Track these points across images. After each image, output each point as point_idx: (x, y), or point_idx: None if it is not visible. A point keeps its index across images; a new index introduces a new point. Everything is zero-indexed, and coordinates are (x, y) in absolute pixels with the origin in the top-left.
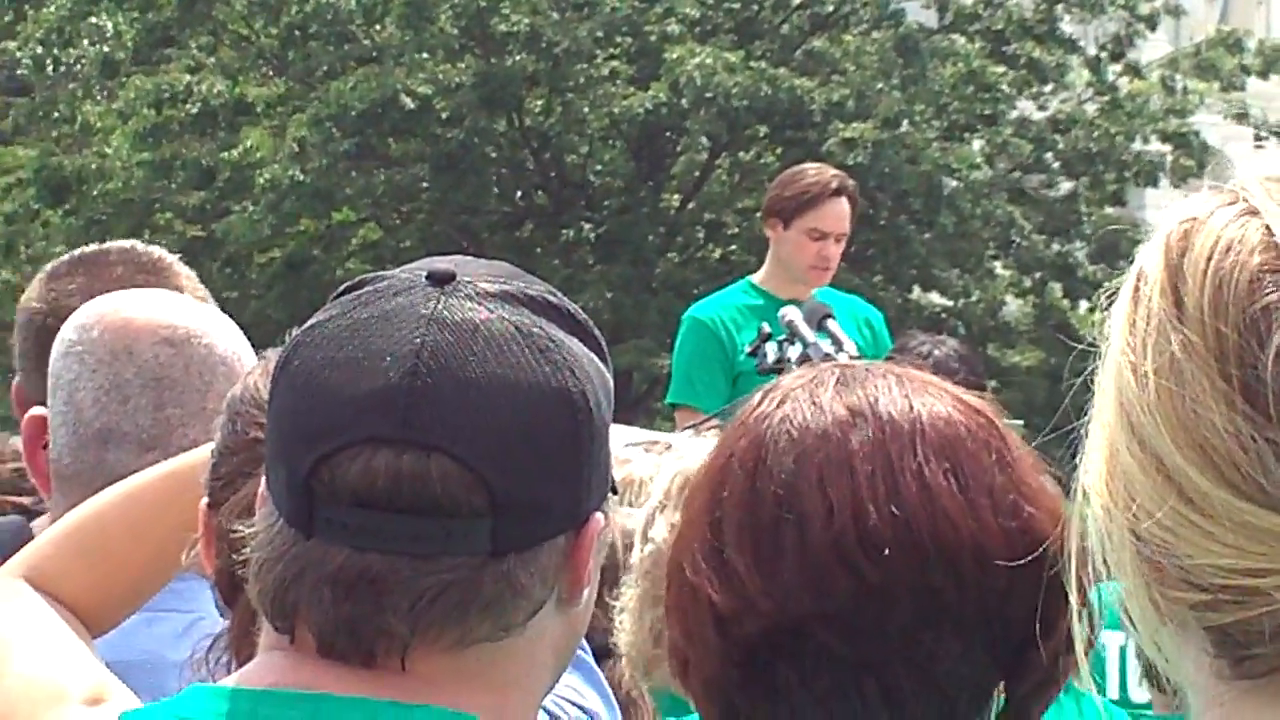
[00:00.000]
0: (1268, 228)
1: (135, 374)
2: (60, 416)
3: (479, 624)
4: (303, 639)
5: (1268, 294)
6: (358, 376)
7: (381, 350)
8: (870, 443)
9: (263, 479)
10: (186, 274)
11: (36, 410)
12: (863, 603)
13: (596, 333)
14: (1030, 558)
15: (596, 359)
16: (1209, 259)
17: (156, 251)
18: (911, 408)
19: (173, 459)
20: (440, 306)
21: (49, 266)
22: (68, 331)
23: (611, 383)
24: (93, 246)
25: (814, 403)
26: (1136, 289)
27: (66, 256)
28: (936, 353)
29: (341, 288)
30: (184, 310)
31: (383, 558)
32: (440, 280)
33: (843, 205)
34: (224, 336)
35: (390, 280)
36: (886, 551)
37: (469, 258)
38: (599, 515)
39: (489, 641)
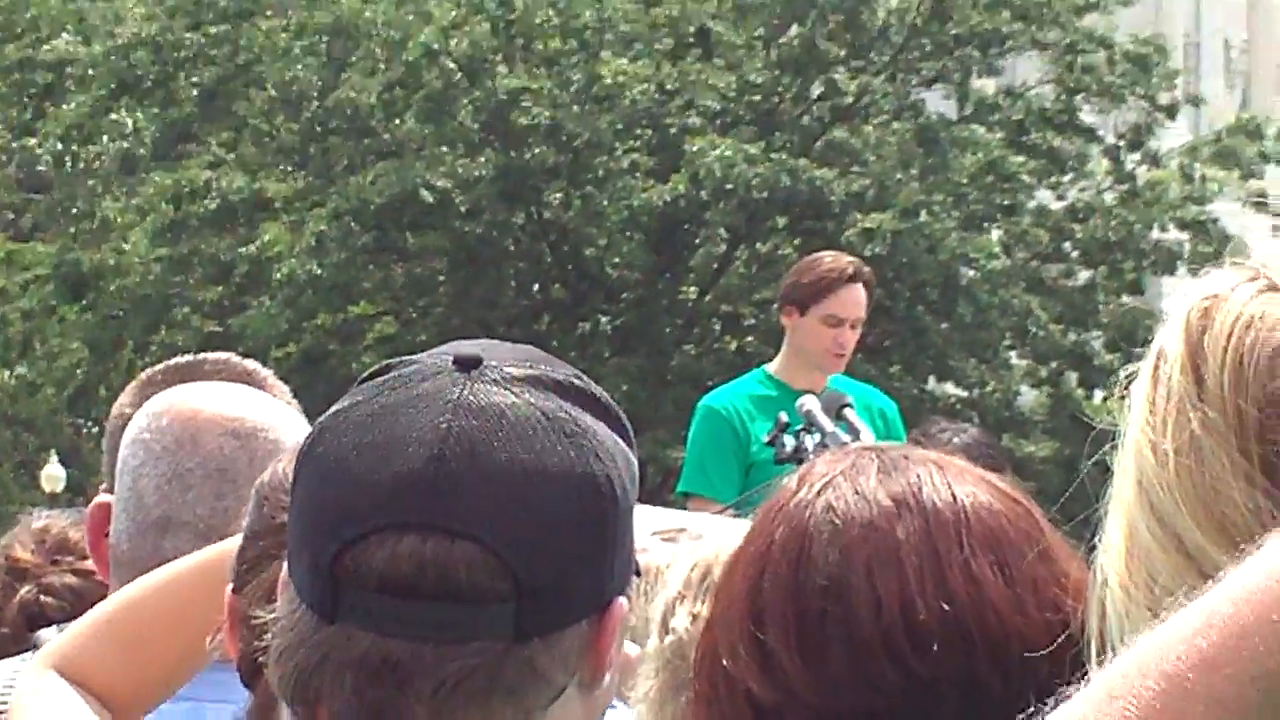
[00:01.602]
0: None
1: (198, 464)
2: (122, 503)
3: (501, 709)
4: None
5: None
6: (383, 462)
7: (407, 436)
8: (917, 534)
9: (285, 564)
10: (280, 387)
11: (103, 497)
12: (910, 697)
13: (622, 417)
14: (1073, 650)
15: (622, 443)
16: (1230, 335)
17: (252, 363)
18: (955, 498)
19: (210, 547)
20: (466, 392)
21: (144, 374)
22: (139, 419)
23: (636, 467)
24: (189, 356)
25: (857, 491)
26: (1156, 368)
27: (163, 365)
28: (957, 440)
29: (368, 372)
30: (254, 405)
31: (406, 644)
32: (466, 365)
33: (859, 291)
34: (294, 433)
35: (417, 365)
36: (935, 646)
37: (496, 342)
38: (622, 600)
39: None
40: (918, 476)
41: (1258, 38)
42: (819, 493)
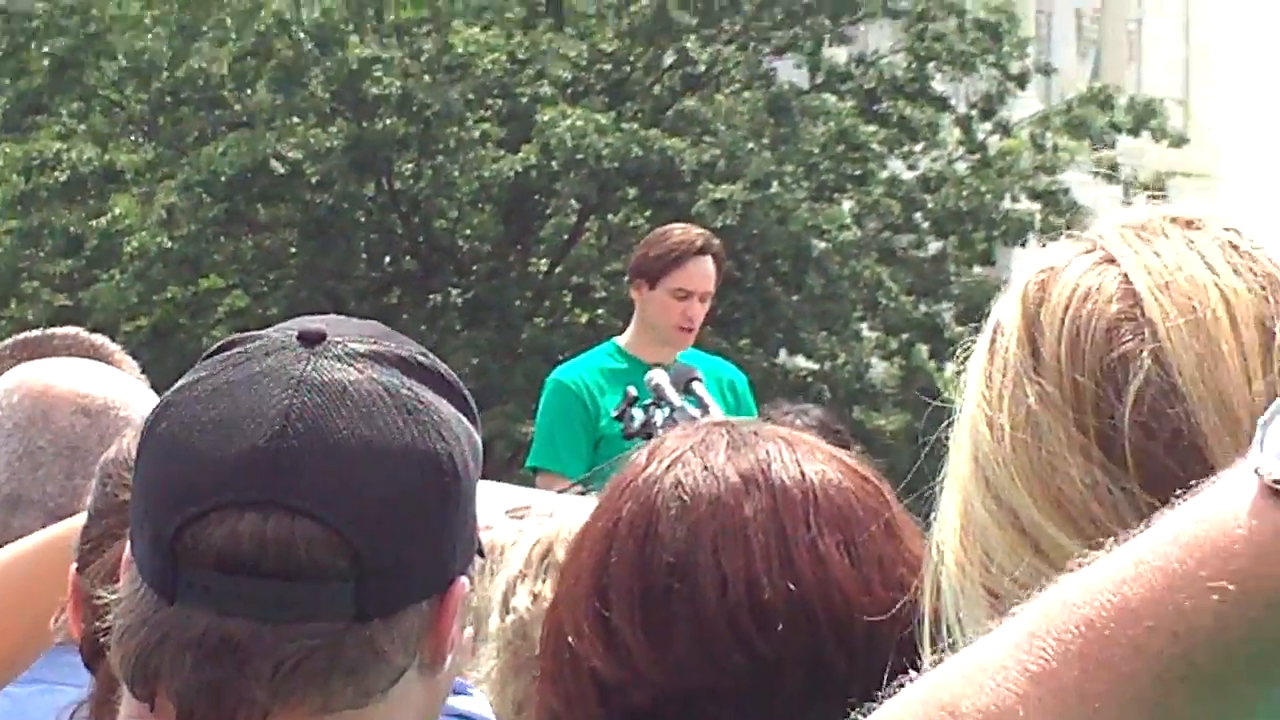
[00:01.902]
0: (1125, 275)
1: (49, 442)
2: None
3: (342, 690)
4: (163, 706)
5: (1125, 342)
6: (225, 439)
7: (249, 413)
8: (764, 512)
9: (127, 543)
10: (129, 362)
11: None
12: (754, 676)
13: (466, 394)
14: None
15: (465, 420)
16: (1066, 308)
17: (100, 338)
18: (804, 475)
19: (55, 525)
20: (309, 368)
21: None
22: None
23: (480, 444)
24: (38, 331)
25: (706, 467)
26: (993, 341)
27: (10, 340)
28: (800, 422)
29: (213, 347)
30: (106, 381)
31: (245, 623)
32: (311, 340)
33: (707, 264)
34: (142, 409)
35: (261, 341)
36: (780, 626)
37: (341, 318)
38: (464, 580)
39: (351, 709)
40: (767, 453)
41: (1110, 6)
42: (668, 468)
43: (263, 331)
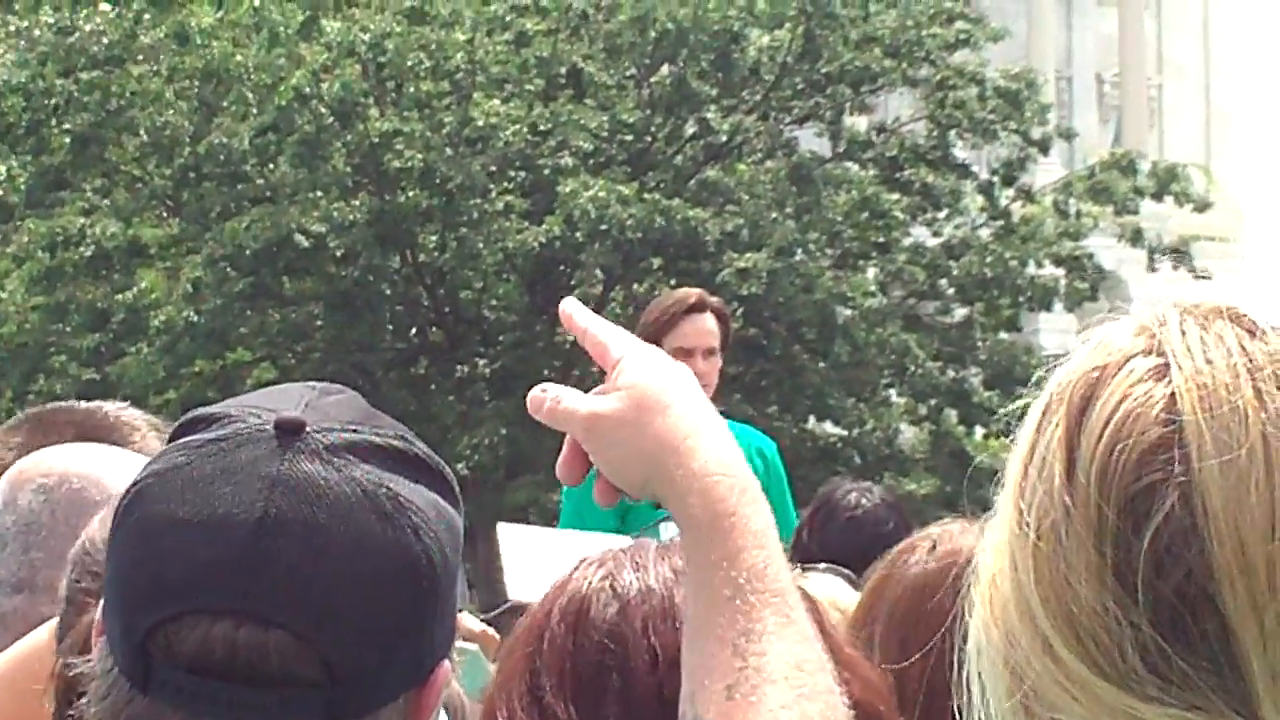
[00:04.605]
0: (1171, 397)
1: (13, 522)
2: None
3: None
4: None
5: (1154, 473)
6: (199, 542)
7: (224, 515)
8: None
9: (98, 611)
10: (145, 426)
11: None
12: None
13: (446, 475)
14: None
15: (445, 504)
16: (1105, 426)
17: (114, 409)
18: None
19: (12, 647)
20: (285, 466)
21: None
22: None
23: (461, 526)
24: (52, 405)
25: (636, 565)
26: (1043, 417)
27: (21, 414)
28: (865, 502)
29: (187, 418)
30: (78, 457)
31: None
32: (288, 432)
33: (705, 320)
34: (115, 478)
35: (235, 427)
36: None
37: (321, 394)
38: (445, 664)
39: None
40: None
41: (1129, 72)
42: (597, 568)
43: (239, 414)
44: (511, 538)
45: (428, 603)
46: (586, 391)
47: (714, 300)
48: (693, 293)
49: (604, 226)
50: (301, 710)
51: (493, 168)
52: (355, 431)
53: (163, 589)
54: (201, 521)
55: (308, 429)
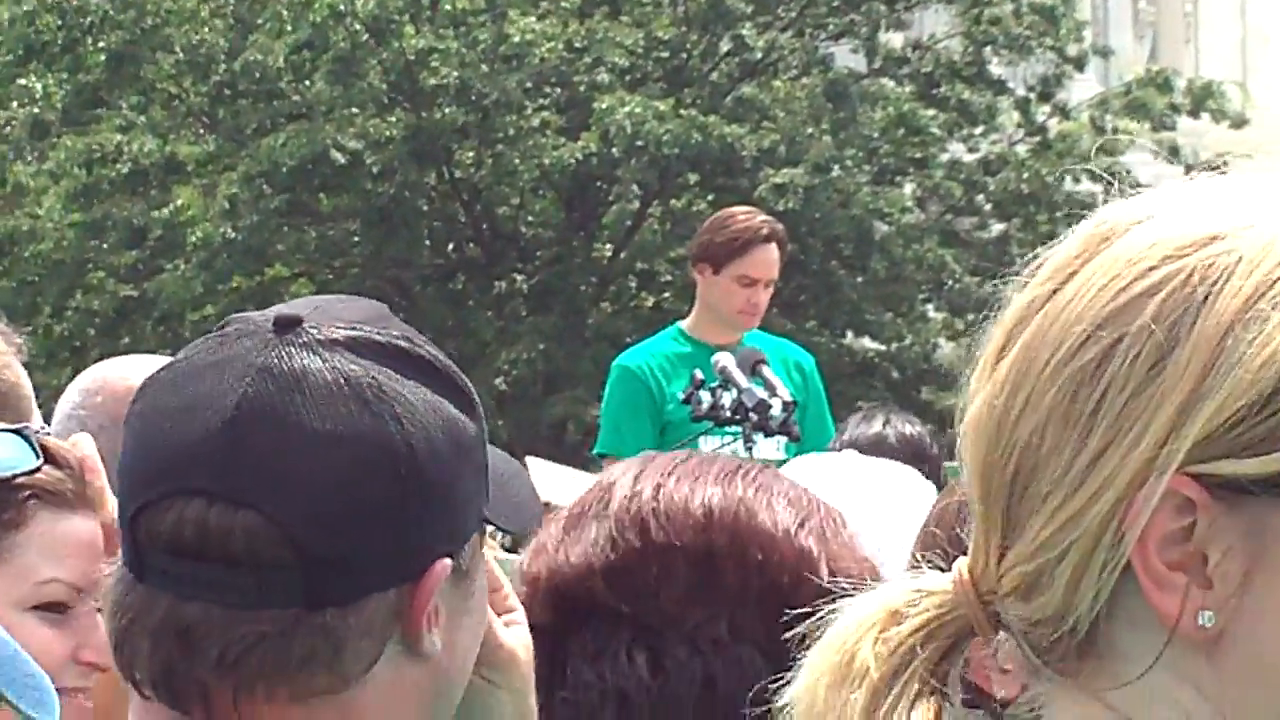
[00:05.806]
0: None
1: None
2: None
3: (309, 677)
4: (142, 689)
5: None
6: (180, 426)
7: (205, 400)
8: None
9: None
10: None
11: None
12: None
13: (457, 378)
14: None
15: (450, 405)
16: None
17: None
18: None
19: None
20: (273, 355)
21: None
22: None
23: (469, 428)
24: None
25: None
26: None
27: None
28: (903, 430)
29: (221, 324)
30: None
31: (200, 607)
32: (284, 326)
33: (772, 252)
34: None
35: (239, 325)
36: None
37: (334, 297)
38: (445, 561)
39: (330, 694)
40: None
41: None
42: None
43: (250, 314)
44: (540, 472)
45: (410, 491)
46: (617, 305)
47: (780, 230)
48: (763, 221)
49: (640, 143)
50: (281, 592)
51: (528, 84)
52: (355, 329)
53: (146, 475)
54: (185, 408)
55: (304, 323)
